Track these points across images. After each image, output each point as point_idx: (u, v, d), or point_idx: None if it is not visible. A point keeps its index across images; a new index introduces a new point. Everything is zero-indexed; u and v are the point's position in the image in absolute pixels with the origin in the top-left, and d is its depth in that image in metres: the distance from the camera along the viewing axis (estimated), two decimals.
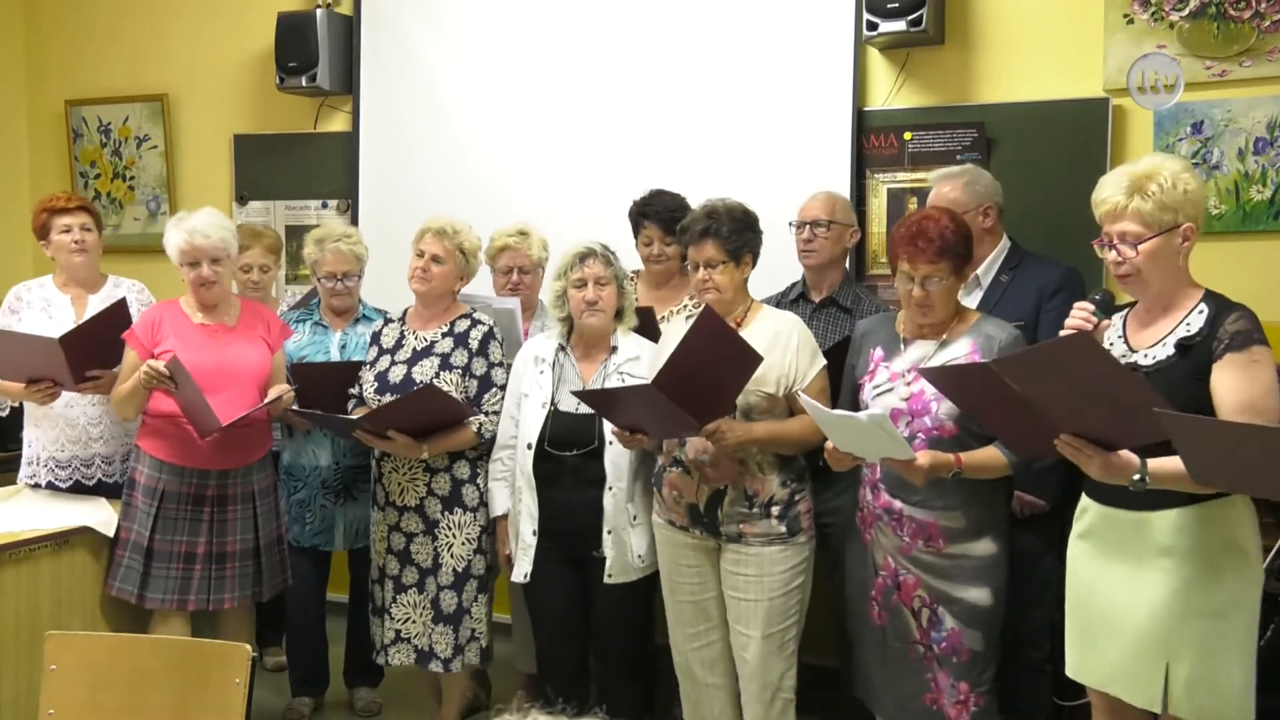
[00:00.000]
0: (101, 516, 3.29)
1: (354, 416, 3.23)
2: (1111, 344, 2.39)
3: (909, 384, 2.65)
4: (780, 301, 3.45)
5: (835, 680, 3.34)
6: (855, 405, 2.77)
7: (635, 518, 3.08)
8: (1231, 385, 2.18)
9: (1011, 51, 3.86)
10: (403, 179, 4.65)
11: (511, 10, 4.49)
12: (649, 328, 3.27)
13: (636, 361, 3.12)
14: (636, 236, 3.56)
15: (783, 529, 2.87)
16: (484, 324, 3.32)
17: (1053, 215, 3.48)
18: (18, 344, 3.34)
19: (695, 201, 3.20)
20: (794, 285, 3.52)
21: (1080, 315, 2.33)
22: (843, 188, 3.89)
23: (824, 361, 2.90)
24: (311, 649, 3.83)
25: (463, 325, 3.32)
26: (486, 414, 3.24)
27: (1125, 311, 2.45)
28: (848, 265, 3.60)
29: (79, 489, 3.53)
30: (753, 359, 2.66)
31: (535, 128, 4.44)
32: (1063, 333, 2.35)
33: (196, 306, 3.31)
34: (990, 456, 2.56)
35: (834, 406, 2.84)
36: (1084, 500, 2.46)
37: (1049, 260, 3.25)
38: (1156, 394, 2.07)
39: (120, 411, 3.33)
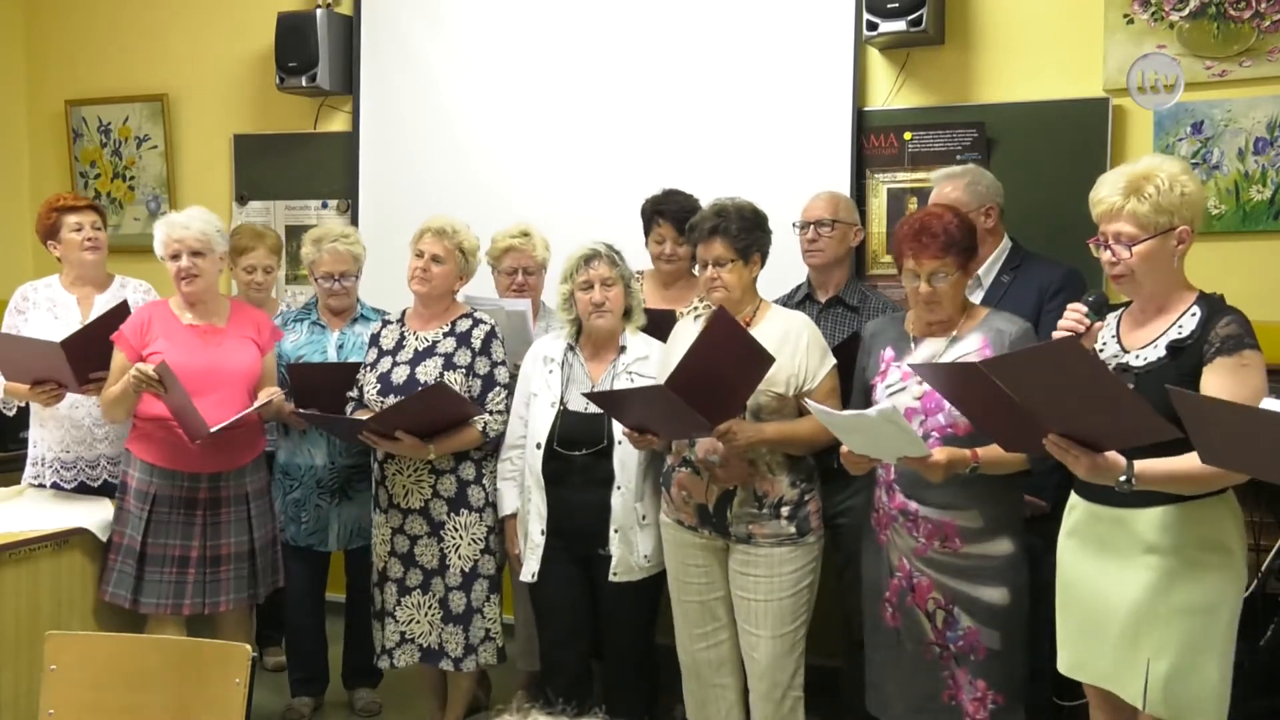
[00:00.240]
0: (100, 517, 3.29)
1: (361, 418, 3.20)
2: (1104, 344, 2.40)
3: (921, 382, 2.64)
4: (786, 303, 3.43)
5: (838, 680, 3.34)
6: (868, 407, 2.76)
7: (644, 517, 3.08)
8: (1221, 388, 2.19)
9: (1011, 51, 3.87)
10: (403, 179, 4.65)
11: (511, 10, 4.49)
12: (666, 330, 3.25)
13: (645, 361, 3.12)
14: (648, 234, 3.56)
15: (792, 530, 2.87)
16: (486, 323, 3.32)
17: (1053, 215, 3.48)
18: (21, 347, 3.35)
19: (699, 199, 3.21)
20: (799, 287, 3.52)
21: (1073, 317, 2.34)
22: (843, 188, 3.89)
23: (834, 361, 2.90)
24: (311, 649, 3.82)
25: (464, 325, 3.31)
26: (491, 413, 3.24)
27: (1120, 311, 2.45)
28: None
29: (84, 490, 3.54)
30: (765, 360, 2.66)
31: (536, 128, 4.44)
32: (1055, 334, 2.36)
33: (185, 307, 3.31)
34: (1006, 451, 2.55)
35: (844, 406, 2.84)
36: (1072, 498, 2.47)
37: (1050, 260, 3.25)
38: (1141, 399, 2.08)
39: (109, 415, 3.32)
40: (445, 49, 4.61)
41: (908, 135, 3.97)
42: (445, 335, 3.30)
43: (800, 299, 3.47)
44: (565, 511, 3.10)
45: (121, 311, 3.35)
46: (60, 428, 3.55)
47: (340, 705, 3.87)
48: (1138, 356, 2.32)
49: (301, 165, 4.92)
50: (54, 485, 3.55)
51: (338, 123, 4.88)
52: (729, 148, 4.13)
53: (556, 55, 4.41)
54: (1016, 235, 3.33)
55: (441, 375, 3.23)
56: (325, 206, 4.89)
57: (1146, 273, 2.29)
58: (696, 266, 2.99)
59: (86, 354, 3.23)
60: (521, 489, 3.20)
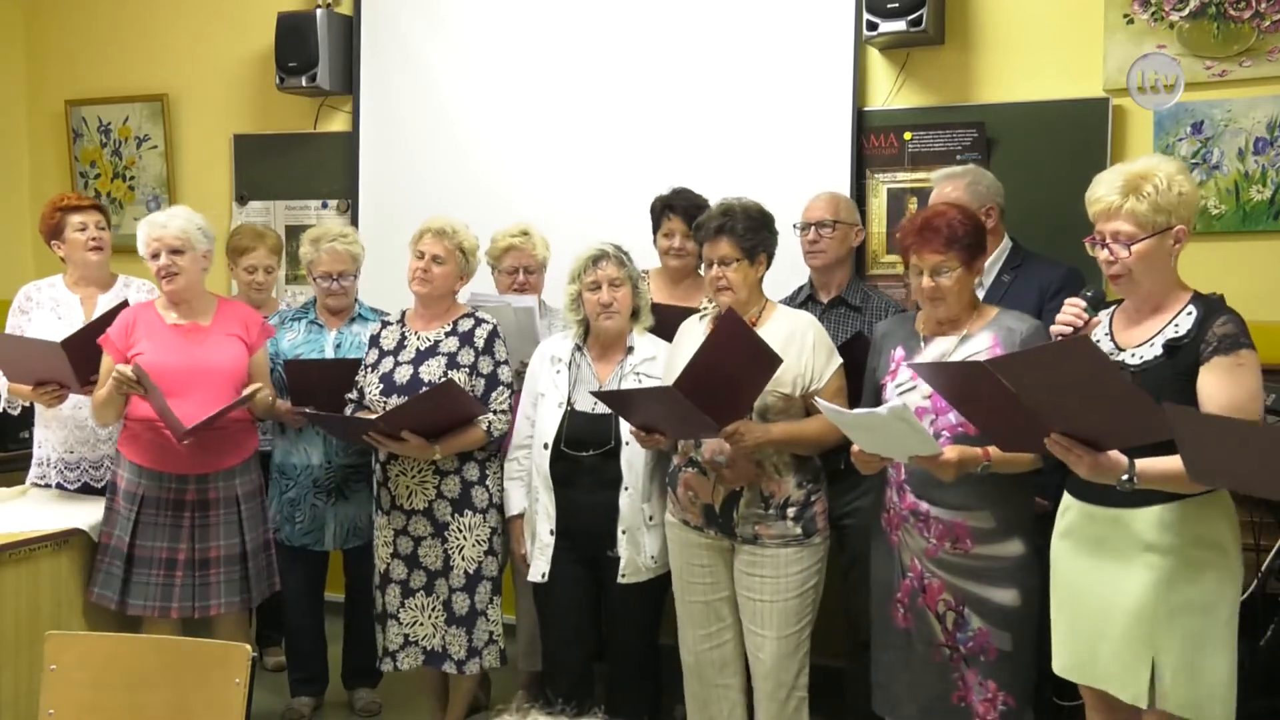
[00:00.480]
0: (93, 519, 3.28)
1: (367, 417, 3.18)
2: (1098, 341, 2.40)
3: None
4: (788, 304, 3.44)
5: (841, 680, 3.34)
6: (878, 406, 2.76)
7: (651, 518, 3.08)
8: (1218, 388, 2.19)
9: (1011, 51, 3.87)
10: (403, 179, 4.65)
11: (511, 10, 4.49)
12: (672, 328, 3.25)
13: (653, 361, 3.12)
14: (657, 229, 3.56)
15: (798, 530, 2.87)
16: (488, 323, 3.32)
17: (1053, 215, 3.48)
18: (23, 347, 3.35)
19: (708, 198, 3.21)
20: (801, 288, 3.52)
21: (1072, 312, 2.34)
22: (843, 188, 3.89)
23: (840, 360, 2.90)
24: (310, 649, 3.82)
25: (466, 324, 3.31)
26: (495, 413, 3.24)
27: (1112, 309, 2.45)
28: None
29: (88, 490, 3.53)
30: (773, 361, 2.67)
31: (536, 128, 4.44)
32: (1054, 328, 2.36)
33: (170, 306, 3.30)
34: (998, 448, 2.54)
35: (853, 405, 2.84)
36: (1066, 498, 2.47)
37: (1050, 260, 3.25)
38: (1148, 398, 2.07)
39: (100, 417, 3.31)
40: (445, 49, 4.61)
41: (908, 135, 3.97)
42: (448, 335, 3.30)
43: (803, 300, 3.47)
44: (573, 512, 3.10)
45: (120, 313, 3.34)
46: (64, 428, 3.55)
47: (340, 705, 3.86)
48: (1133, 355, 2.33)
49: (301, 165, 4.92)
50: (58, 486, 3.55)
51: (338, 123, 4.88)
52: (729, 148, 4.13)
53: (557, 55, 4.41)
54: (1017, 235, 3.33)
55: (445, 374, 3.22)
56: (325, 206, 4.89)
57: (1144, 272, 2.30)
58: (703, 267, 2.98)
59: (88, 354, 3.23)
60: (529, 489, 3.20)
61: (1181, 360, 2.25)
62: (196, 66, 5.11)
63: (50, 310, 3.59)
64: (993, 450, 2.51)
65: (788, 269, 3.39)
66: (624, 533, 3.06)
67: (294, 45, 4.62)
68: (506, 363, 3.30)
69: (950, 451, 2.48)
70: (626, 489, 3.06)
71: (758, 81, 4.12)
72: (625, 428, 2.99)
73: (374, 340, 3.40)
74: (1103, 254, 2.32)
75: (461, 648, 3.27)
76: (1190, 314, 2.30)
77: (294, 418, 3.47)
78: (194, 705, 2.07)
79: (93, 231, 3.58)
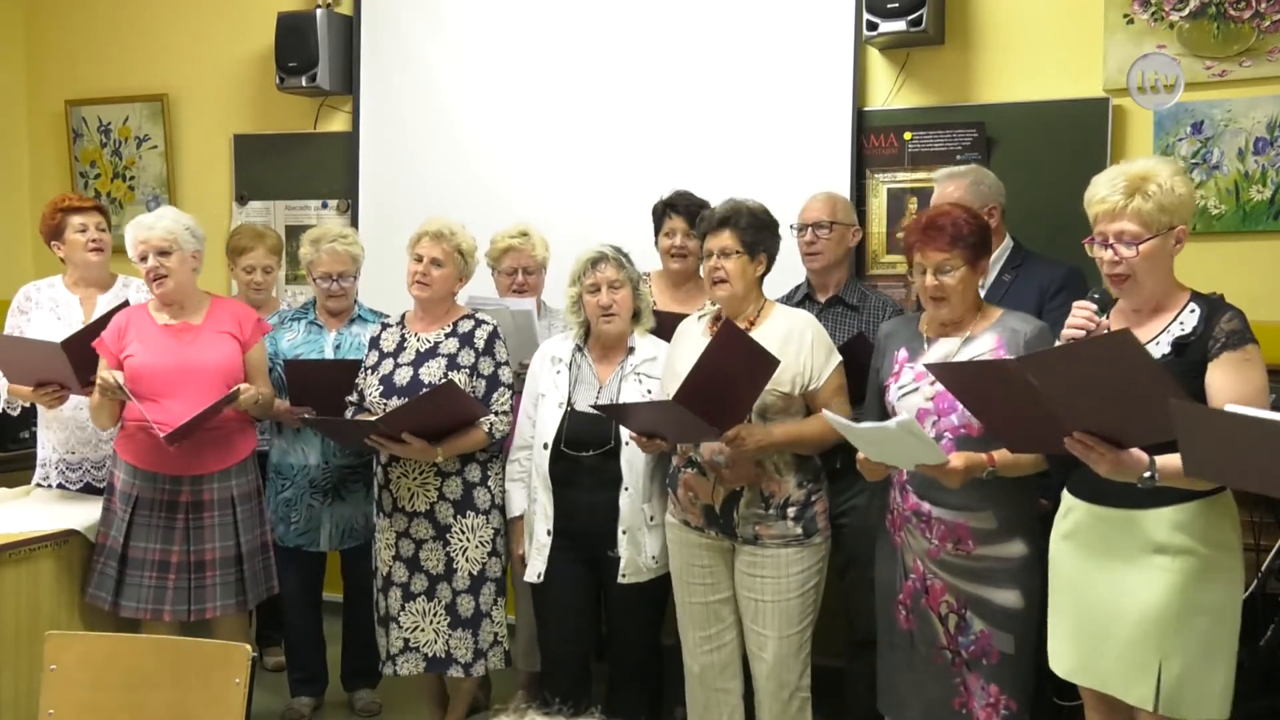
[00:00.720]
0: (89, 520, 3.28)
1: (369, 420, 3.17)
2: None
3: (933, 383, 2.63)
4: (786, 302, 3.44)
5: (841, 680, 3.34)
6: (881, 407, 2.75)
7: (651, 518, 3.08)
8: (1228, 383, 2.20)
9: (1011, 51, 3.87)
10: (403, 179, 4.65)
11: (511, 10, 4.49)
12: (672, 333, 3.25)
13: (653, 362, 3.12)
14: (659, 231, 3.56)
15: (799, 530, 2.86)
16: (488, 324, 3.31)
17: (1053, 215, 3.47)
18: (23, 348, 3.35)
19: (710, 201, 3.21)
20: (798, 287, 3.52)
21: (1083, 315, 2.33)
22: (843, 188, 3.89)
23: (839, 358, 2.90)
24: (310, 649, 3.82)
25: (466, 325, 3.30)
26: (496, 414, 3.23)
27: (1107, 312, 2.45)
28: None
29: (90, 490, 3.53)
30: (771, 364, 2.67)
31: (536, 128, 4.44)
32: (1065, 331, 2.34)
33: (161, 307, 3.29)
34: (1009, 451, 2.54)
35: (852, 403, 2.85)
36: (1068, 500, 2.46)
37: (1051, 260, 3.25)
38: (1183, 391, 2.06)
39: (97, 421, 3.32)
40: (445, 49, 4.61)
41: (908, 135, 3.97)
42: (447, 336, 3.30)
43: (799, 299, 3.46)
44: (573, 512, 3.10)
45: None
46: (65, 429, 3.54)
47: (340, 705, 3.86)
48: None
49: (301, 165, 4.92)
50: (60, 486, 3.54)
51: (338, 123, 4.88)
52: (729, 148, 4.13)
53: (557, 55, 4.41)
54: (1017, 235, 3.33)
55: (445, 376, 3.21)
56: (325, 206, 4.89)
57: (1148, 272, 2.29)
58: (703, 258, 2.97)
59: (88, 355, 3.22)
60: (529, 489, 3.20)
61: (1189, 358, 2.25)
62: (196, 66, 5.11)
63: (50, 310, 3.59)
64: (998, 455, 2.51)
65: (785, 270, 3.39)
66: (624, 533, 3.06)
67: (294, 45, 4.62)
68: (507, 364, 3.30)
69: (956, 459, 2.47)
70: (627, 489, 3.06)
71: (758, 81, 4.12)
72: (627, 432, 2.99)
73: (374, 342, 3.39)
74: (1107, 254, 2.31)
75: (468, 650, 3.26)
76: (1194, 312, 2.30)
77: (294, 419, 3.47)
78: (194, 705, 2.07)
79: (93, 233, 3.58)
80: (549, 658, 3.32)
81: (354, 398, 3.35)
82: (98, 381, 3.12)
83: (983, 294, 3.17)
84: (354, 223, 4.66)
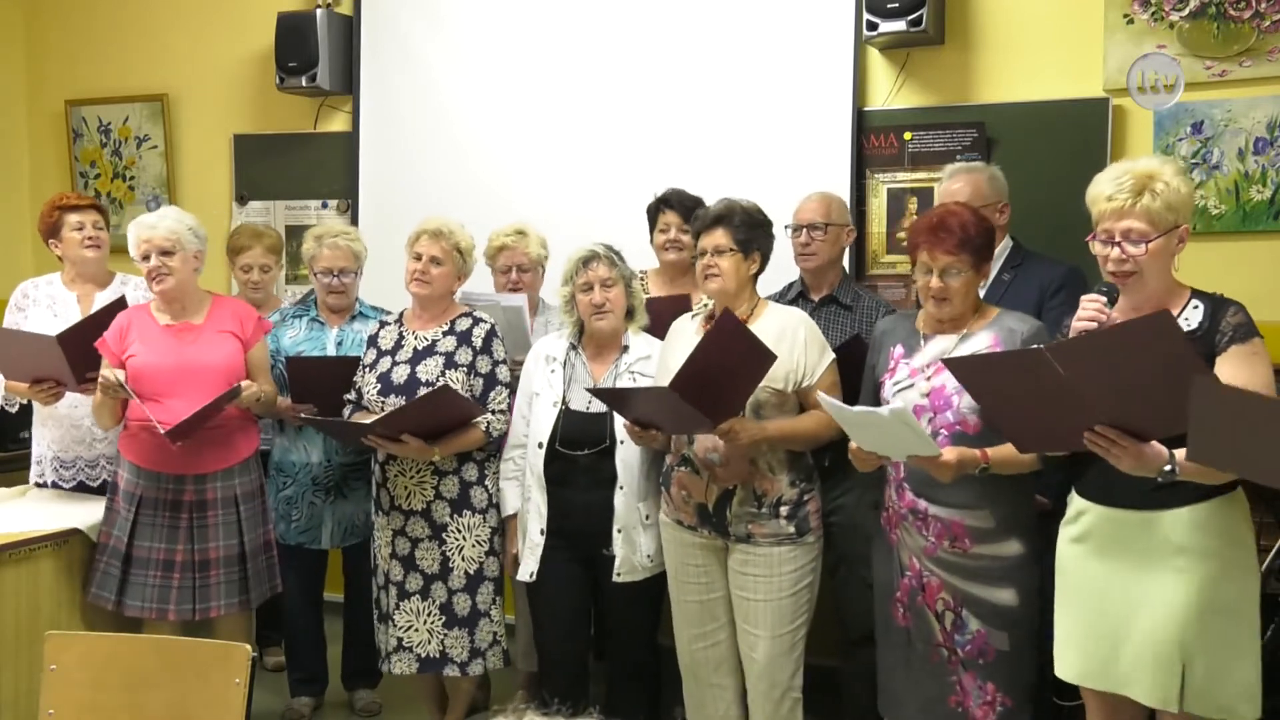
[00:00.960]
0: (91, 520, 3.28)
1: (365, 421, 3.17)
2: None
3: (929, 379, 2.64)
4: (779, 301, 3.44)
5: (834, 679, 3.34)
6: (876, 404, 2.75)
7: (646, 517, 3.08)
8: (1238, 375, 2.19)
9: (1011, 51, 3.87)
10: (403, 179, 4.65)
11: (511, 10, 4.49)
12: (663, 321, 3.25)
13: (647, 360, 3.12)
14: (653, 228, 3.58)
15: (791, 529, 2.86)
16: (486, 322, 3.32)
17: (1053, 215, 3.47)
18: (19, 342, 3.34)
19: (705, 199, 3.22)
20: (792, 285, 3.52)
21: (1093, 308, 2.32)
22: (843, 188, 3.89)
23: (832, 355, 2.91)
24: (310, 649, 3.82)
25: (464, 324, 3.31)
26: (493, 413, 3.23)
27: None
28: (846, 264, 3.60)
29: (83, 489, 3.53)
30: (767, 358, 2.67)
31: (535, 128, 4.44)
32: (1076, 324, 2.34)
33: (162, 307, 3.30)
34: (1016, 451, 2.53)
35: (846, 402, 2.84)
36: (1079, 502, 2.44)
37: (1051, 259, 3.25)
38: (1217, 378, 2.06)
39: (99, 421, 3.32)
40: (445, 49, 4.61)
41: (908, 135, 3.97)
42: (445, 334, 3.30)
43: (793, 296, 3.47)
44: (568, 511, 3.10)
45: (118, 309, 3.34)
46: (60, 427, 3.54)
47: (340, 705, 3.86)
48: None
49: (301, 165, 4.92)
50: (54, 484, 3.54)
51: (338, 123, 4.88)
52: (729, 147, 4.13)
53: (556, 55, 4.41)
54: (1017, 235, 3.33)
55: (443, 374, 3.22)
56: (325, 206, 4.89)
57: (1153, 270, 2.29)
58: (697, 256, 2.98)
59: (84, 351, 3.21)
60: (523, 488, 3.20)
61: (1197, 352, 2.23)
62: (196, 66, 5.11)
63: (47, 308, 3.59)
64: (991, 452, 2.51)
65: (778, 268, 3.39)
66: (619, 531, 3.06)
67: (294, 45, 4.62)
68: (505, 362, 3.30)
69: (949, 453, 2.47)
70: (621, 488, 3.06)
71: (758, 81, 4.12)
72: (620, 426, 2.99)
73: (372, 340, 3.39)
74: (1113, 252, 2.30)
75: (464, 649, 3.26)
76: (1197, 308, 2.30)
77: (294, 417, 3.47)
78: (194, 705, 2.07)
79: (90, 230, 3.58)
80: (546, 658, 3.32)
81: (352, 395, 3.35)
82: (100, 380, 3.12)
83: (982, 293, 3.18)
84: (354, 222, 4.65)
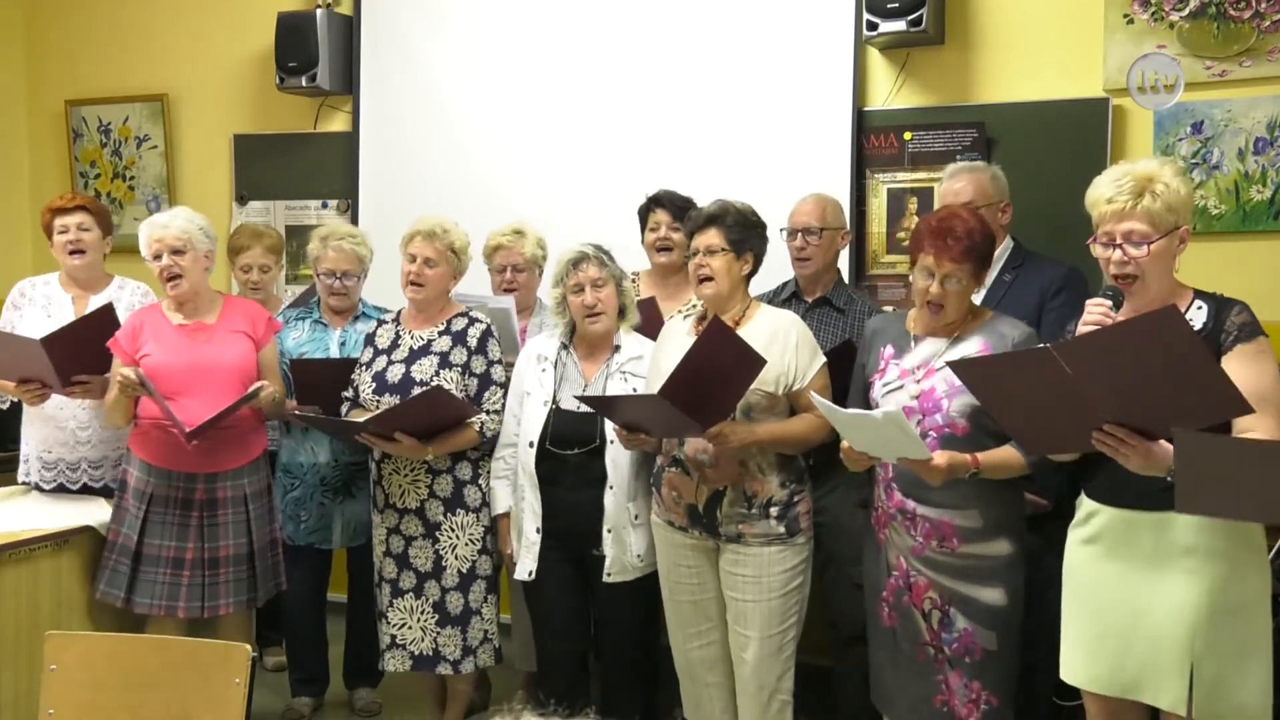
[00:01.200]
0: (102, 517, 3.29)
1: (358, 420, 3.18)
2: None
3: (919, 382, 2.64)
4: (773, 300, 3.44)
5: (828, 679, 3.34)
6: (866, 404, 2.76)
7: (636, 517, 3.08)
8: (1244, 375, 2.17)
9: (1011, 51, 3.87)
10: (403, 179, 4.65)
11: (511, 10, 4.49)
12: (650, 321, 3.27)
13: (639, 361, 3.12)
14: (644, 228, 3.58)
15: (781, 530, 2.86)
16: (482, 322, 3.32)
17: (1053, 215, 3.47)
18: (5, 344, 3.30)
19: (698, 201, 3.22)
20: (786, 284, 3.52)
21: (1099, 311, 2.31)
22: (843, 188, 3.90)
23: (823, 359, 2.90)
24: (311, 649, 3.82)
25: (460, 323, 3.31)
26: (488, 413, 3.24)
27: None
28: (846, 265, 3.60)
29: (62, 490, 3.50)
30: (757, 363, 2.67)
31: (535, 128, 4.45)
32: (1082, 327, 2.33)
33: (174, 307, 3.30)
34: (1008, 456, 2.53)
35: (837, 405, 2.84)
36: (1089, 504, 2.43)
37: (1051, 260, 3.25)
38: (1224, 373, 2.05)
39: (110, 420, 3.32)
40: (445, 49, 4.61)
41: (908, 135, 3.97)
42: (441, 334, 3.30)
43: (787, 296, 3.47)
44: (558, 511, 3.10)
45: (105, 315, 3.29)
46: (45, 427, 3.52)
47: (340, 705, 3.87)
48: None
49: (301, 165, 4.93)
50: (35, 485, 3.52)
51: (338, 123, 4.88)
52: (729, 147, 4.13)
53: (556, 55, 4.42)
54: (1017, 235, 3.33)
55: (437, 374, 3.22)
56: (325, 206, 4.90)
57: (1155, 272, 2.29)
58: (689, 255, 2.98)
59: (69, 354, 3.19)
60: (514, 488, 3.21)
61: None
62: (196, 66, 5.11)
63: (41, 308, 3.57)
64: (982, 456, 2.51)
65: (772, 268, 3.38)
66: (609, 531, 3.06)
67: (294, 45, 4.63)
68: (500, 362, 3.30)
69: (940, 457, 2.47)
70: (611, 487, 3.06)
71: (757, 81, 4.12)
72: (610, 426, 2.99)
73: (369, 339, 3.40)
74: (1115, 255, 2.30)
75: (456, 647, 3.27)
76: (1200, 308, 2.30)
77: (291, 416, 3.47)
78: (194, 705, 2.07)
79: (72, 234, 3.51)
80: (544, 658, 3.32)
81: (350, 393, 3.36)
82: (118, 379, 3.12)
83: (983, 294, 3.18)
84: (354, 222, 4.65)
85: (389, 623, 3.30)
